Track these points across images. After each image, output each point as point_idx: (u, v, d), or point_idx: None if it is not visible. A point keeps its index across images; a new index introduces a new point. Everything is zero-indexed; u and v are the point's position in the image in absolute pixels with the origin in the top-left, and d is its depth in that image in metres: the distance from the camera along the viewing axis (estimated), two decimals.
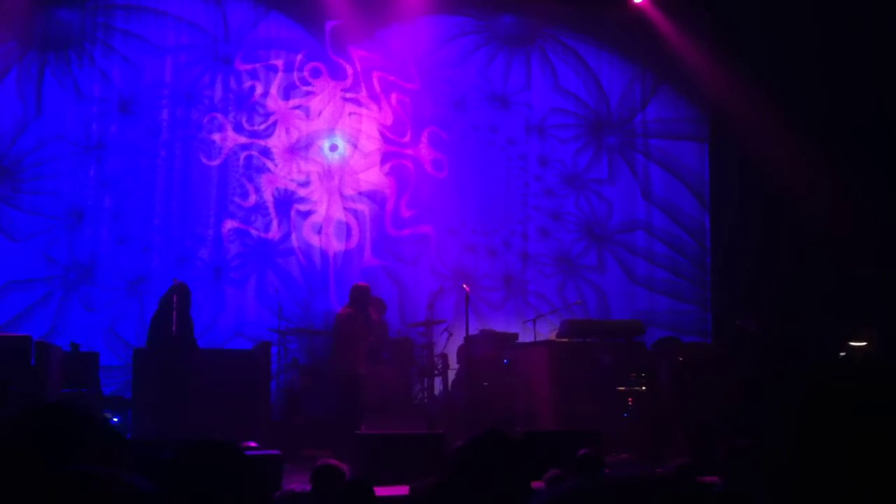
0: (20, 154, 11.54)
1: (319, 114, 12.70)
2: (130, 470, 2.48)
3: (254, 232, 12.22)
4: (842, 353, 10.52)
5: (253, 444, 8.80)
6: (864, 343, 10.50)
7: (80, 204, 11.68)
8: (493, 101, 13.37)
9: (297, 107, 12.63)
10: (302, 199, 12.49)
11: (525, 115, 13.48)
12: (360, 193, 12.75)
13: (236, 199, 12.23)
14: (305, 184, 12.54)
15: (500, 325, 12.36)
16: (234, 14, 12.48)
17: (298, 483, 6.89)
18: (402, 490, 6.53)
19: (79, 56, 11.84)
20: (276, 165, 12.45)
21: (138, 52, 12.04)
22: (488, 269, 13.07)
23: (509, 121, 13.42)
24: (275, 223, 12.33)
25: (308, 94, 12.68)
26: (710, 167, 13.97)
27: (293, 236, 12.38)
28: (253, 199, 12.29)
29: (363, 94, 12.88)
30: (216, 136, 12.23)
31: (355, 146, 12.79)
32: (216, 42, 12.37)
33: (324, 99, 12.73)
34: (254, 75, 12.47)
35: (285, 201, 12.42)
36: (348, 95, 12.82)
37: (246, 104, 12.41)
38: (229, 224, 12.15)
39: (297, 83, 12.64)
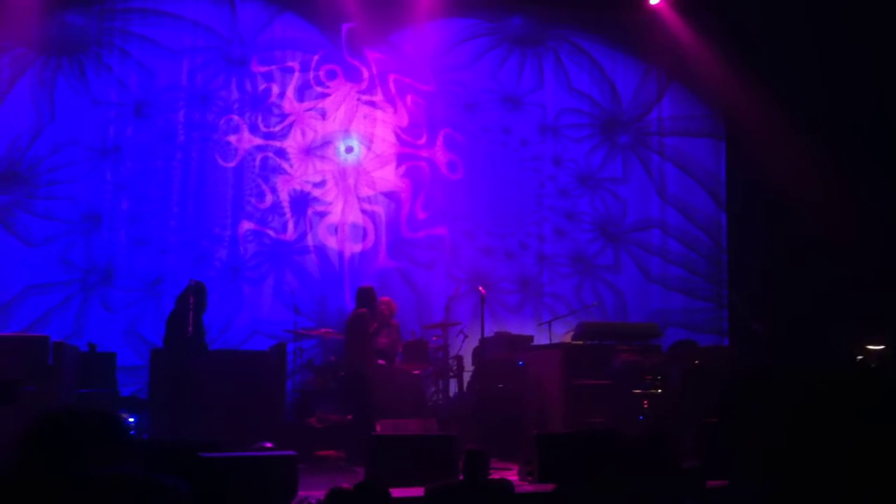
0: (35, 160, 11.61)
1: (335, 115, 12.75)
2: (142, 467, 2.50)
3: (270, 233, 12.28)
4: (859, 357, 10.47)
5: (269, 445, 8.85)
6: (881, 347, 10.44)
7: (97, 207, 11.75)
8: (506, 102, 13.40)
9: (313, 108, 12.68)
10: (318, 201, 12.54)
11: (538, 116, 13.51)
12: (375, 195, 12.79)
13: (252, 201, 12.29)
14: (321, 185, 12.59)
15: (517, 328, 12.39)
16: (249, 16, 12.54)
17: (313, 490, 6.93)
18: (418, 491, 6.54)
19: (91, 60, 11.90)
20: (291, 167, 12.50)
21: (152, 55, 12.10)
22: (505, 271, 13.09)
23: (522, 121, 13.45)
24: (291, 224, 12.38)
25: (324, 95, 12.73)
26: (725, 165, 13.96)
27: (309, 237, 12.43)
28: (269, 200, 12.35)
29: (379, 96, 12.92)
30: (232, 138, 12.29)
31: (370, 148, 12.84)
32: (231, 44, 12.44)
33: (339, 101, 12.77)
34: (269, 77, 12.53)
35: (301, 202, 12.47)
36: (364, 97, 12.86)
37: (262, 106, 12.47)
38: (246, 225, 12.21)
39: (313, 85, 12.69)
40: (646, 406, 9.65)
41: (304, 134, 12.60)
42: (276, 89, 12.54)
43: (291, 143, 12.54)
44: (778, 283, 12.42)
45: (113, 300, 11.64)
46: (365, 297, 10.37)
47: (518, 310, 13.02)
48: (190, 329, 9.22)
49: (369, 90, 12.90)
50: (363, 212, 12.71)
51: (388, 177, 12.87)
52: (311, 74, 12.69)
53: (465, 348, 11.61)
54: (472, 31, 13.39)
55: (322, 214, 12.54)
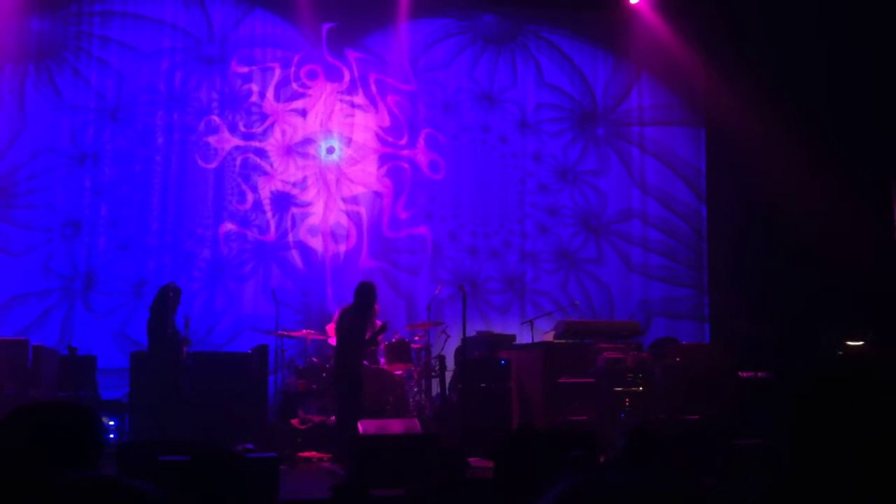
0: (10, 170, 11.53)
1: (316, 115, 12.72)
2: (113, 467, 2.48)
3: (252, 233, 12.24)
4: (839, 353, 10.51)
5: (249, 446, 8.82)
6: (860, 343, 10.49)
7: (76, 214, 11.69)
8: (484, 100, 13.39)
9: (294, 109, 12.65)
10: (299, 201, 12.51)
11: (515, 113, 13.49)
12: (357, 195, 12.76)
13: (234, 202, 12.26)
14: (302, 185, 12.56)
15: (506, 328, 12.38)
16: (228, 17, 12.51)
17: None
18: (397, 492, 6.53)
19: (59, 66, 11.78)
20: (272, 167, 12.47)
21: (125, 59, 12.04)
22: (491, 271, 13.09)
23: (501, 119, 13.44)
24: (272, 225, 12.35)
25: (304, 95, 12.70)
26: (705, 153, 14.00)
27: (291, 237, 12.40)
28: (250, 201, 12.32)
29: (360, 97, 12.90)
30: (212, 139, 12.25)
31: (351, 148, 12.81)
32: (210, 45, 12.39)
33: (320, 101, 12.75)
34: (249, 78, 12.49)
35: (282, 203, 12.44)
36: (345, 98, 12.84)
37: (242, 106, 12.43)
38: (227, 226, 12.17)
39: (294, 85, 12.66)
40: (627, 404, 9.67)
41: (284, 134, 12.57)
42: (256, 89, 12.51)
43: (272, 144, 12.51)
44: (759, 276, 12.50)
45: (99, 305, 11.59)
46: (366, 294, 9.84)
47: (506, 310, 13.01)
48: (168, 331, 9.18)
49: (350, 90, 12.88)
50: (345, 212, 12.69)
51: (370, 177, 12.85)
52: (292, 74, 12.66)
53: (448, 348, 11.59)
54: (446, 30, 13.38)
55: (304, 215, 12.51)
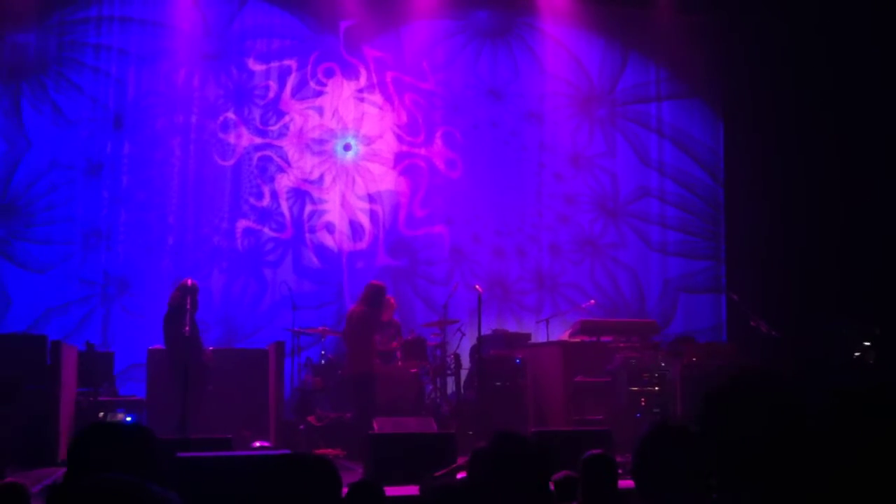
0: (23, 189, 11.51)
1: (333, 113, 12.73)
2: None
3: (268, 230, 12.27)
4: (856, 354, 10.44)
5: (265, 444, 8.86)
6: (878, 337, 10.41)
7: (97, 223, 11.68)
8: (491, 95, 13.34)
9: (311, 106, 12.66)
10: (316, 199, 12.53)
11: (522, 105, 13.44)
12: (373, 193, 12.77)
13: (250, 200, 12.28)
14: (319, 183, 12.58)
15: (540, 327, 12.34)
16: (247, 16, 12.51)
17: None
18: (412, 490, 6.53)
19: (52, 80, 11.68)
20: (289, 165, 12.48)
21: (141, 65, 12.02)
22: (519, 271, 13.06)
23: (509, 113, 13.38)
24: (288, 223, 12.37)
25: (321, 93, 12.70)
26: (724, 133, 13.98)
27: (307, 235, 12.42)
28: (267, 199, 12.34)
29: (377, 95, 12.90)
30: (230, 137, 12.27)
31: (368, 146, 12.82)
32: (225, 44, 12.39)
33: (337, 99, 12.76)
34: (267, 75, 12.50)
35: (299, 200, 12.46)
36: (362, 95, 12.85)
37: (259, 104, 12.44)
38: (243, 223, 12.20)
39: (311, 83, 12.67)
40: (643, 403, 9.64)
41: (301, 132, 12.59)
42: (273, 87, 12.52)
43: (289, 142, 12.52)
44: (775, 255, 12.54)
45: (135, 307, 11.59)
46: (369, 294, 10.00)
47: (538, 309, 12.92)
48: (186, 329, 9.19)
49: (367, 88, 12.89)
50: (361, 210, 12.70)
51: (387, 174, 12.85)
52: (309, 72, 12.67)
53: (463, 346, 11.59)
54: (453, 29, 13.35)
55: (320, 212, 12.53)
